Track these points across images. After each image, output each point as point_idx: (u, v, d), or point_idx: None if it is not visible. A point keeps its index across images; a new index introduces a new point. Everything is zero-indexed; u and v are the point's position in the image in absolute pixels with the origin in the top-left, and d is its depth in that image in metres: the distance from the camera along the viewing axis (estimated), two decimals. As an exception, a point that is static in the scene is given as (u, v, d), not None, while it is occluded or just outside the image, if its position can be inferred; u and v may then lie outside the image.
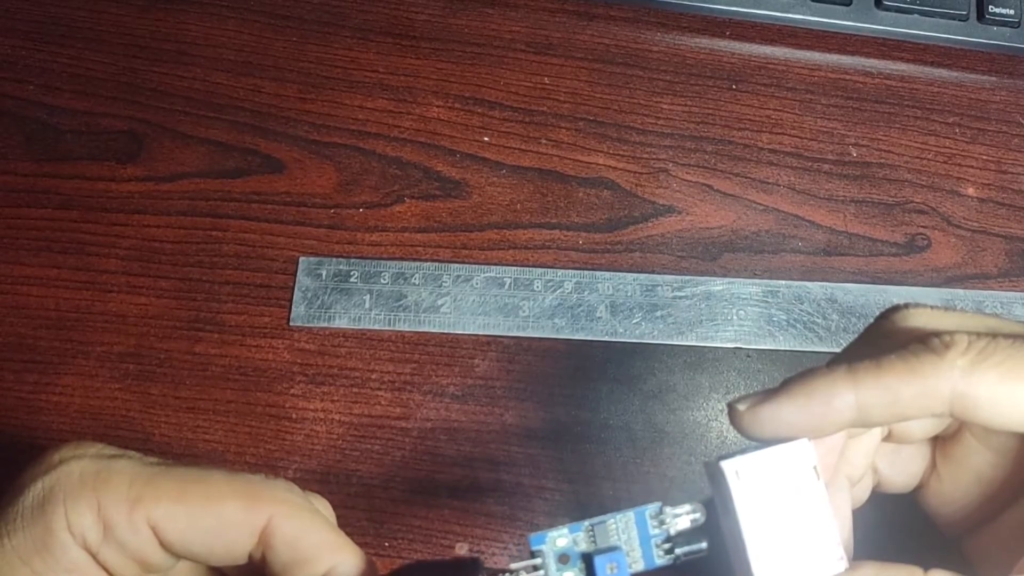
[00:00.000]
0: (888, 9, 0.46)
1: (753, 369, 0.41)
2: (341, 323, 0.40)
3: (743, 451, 0.27)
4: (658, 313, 0.41)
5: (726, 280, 0.42)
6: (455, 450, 0.38)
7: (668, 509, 0.27)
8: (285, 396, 0.39)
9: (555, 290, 0.41)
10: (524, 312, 0.41)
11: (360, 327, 0.40)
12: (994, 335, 0.26)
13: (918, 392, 0.26)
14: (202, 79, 0.45)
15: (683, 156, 0.45)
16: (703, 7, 0.46)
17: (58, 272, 0.41)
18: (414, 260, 0.42)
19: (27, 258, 0.41)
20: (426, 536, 0.37)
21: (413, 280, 0.41)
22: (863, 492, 0.32)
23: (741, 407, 0.27)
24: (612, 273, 0.41)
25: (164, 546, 0.27)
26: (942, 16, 0.46)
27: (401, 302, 0.41)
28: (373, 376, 0.40)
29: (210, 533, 0.27)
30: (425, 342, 0.40)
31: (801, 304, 0.42)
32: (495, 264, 0.42)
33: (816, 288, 0.42)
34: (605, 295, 0.41)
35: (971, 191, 0.44)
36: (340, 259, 0.41)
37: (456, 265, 0.42)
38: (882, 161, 0.45)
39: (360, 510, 0.37)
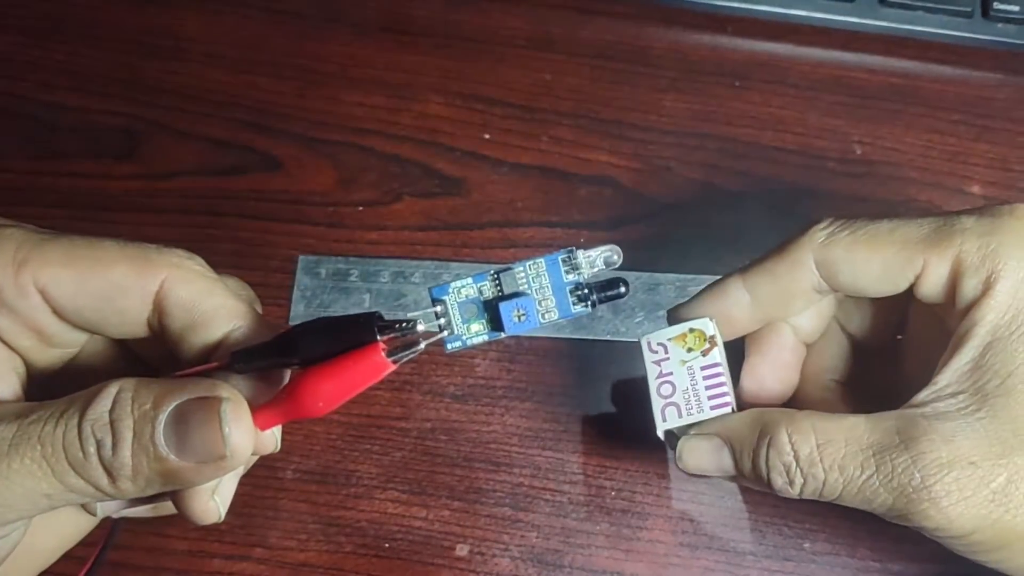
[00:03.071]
0: (892, 6, 0.45)
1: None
2: (340, 322, 0.40)
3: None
4: (661, 312, 0.40)
5: (729, 279, 0.41)
6: (455, 451, 0.38)
7: (581, 252, 0.26)
8: (283, 396, 0.38)
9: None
10: (525, 311, 0.40)
11: (359, 326, 0.40)
12: (859, 217, 0.30)
13: (788, 266, 0.31)
14: (198, 76, 0.45)
15: (686, 154, 0.44)
16: (706, 3, 0.46)
17: (53, 270, 0.40)
18: (414, 259, 0.41)
19: (22, 256, 0.41)
20: (426, 537, 0.36)
21: (413, 279, 0.41)
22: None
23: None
24: (613, 270, 0.41)
25: (57, 313, 0.27)
26: (946, 13, 0.45)
27: (401, 301, 0.40)
28: (372, 376, 0.39)
29: (101, 298, 0.27)
30: (425, 341, 0.40)
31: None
32: (496, 263, 0.41)
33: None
34: (607, 294, 0.41)
35: (976, 189, 0.44)
36: (339, 257, 0.41)
37: (456, 263, 0.41)
38: (886, 159, 0.44)
39: (359, 511, 0.37)
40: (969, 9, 0.45)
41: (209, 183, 0.43)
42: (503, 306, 0.25)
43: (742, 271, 0.32)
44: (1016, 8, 0.45)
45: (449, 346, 0.26)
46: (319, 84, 0.45)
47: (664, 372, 0.32)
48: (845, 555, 0.36)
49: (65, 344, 0.29)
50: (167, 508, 0.30)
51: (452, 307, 0.26)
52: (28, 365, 0.28)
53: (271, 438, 0.27)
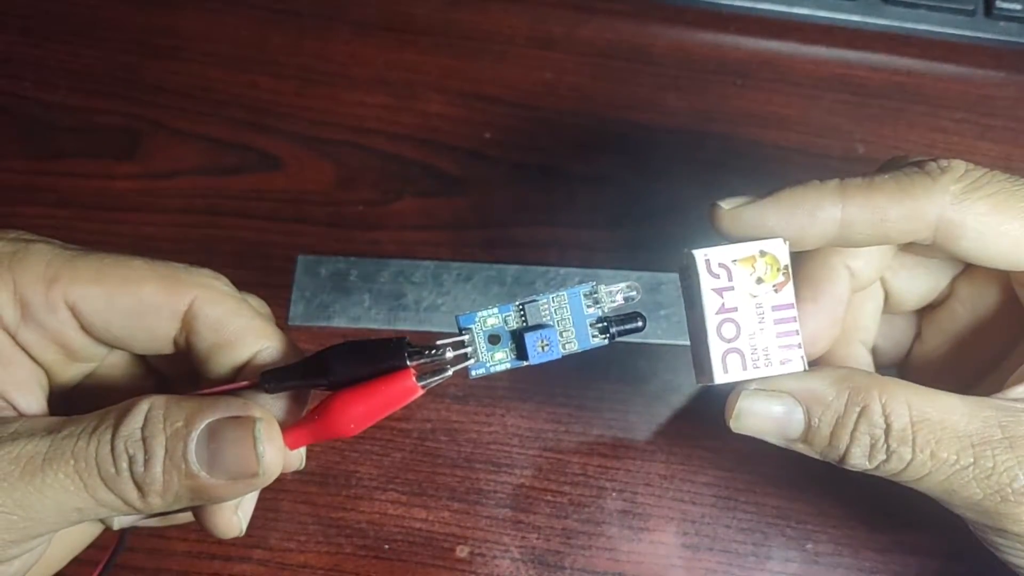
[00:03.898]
0: (895, 4, 0.45)
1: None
2: (340, 322, 0.40)
3: (716, 243, 0.27)
4: (662, 312, 0.40)
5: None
6: (455, 451, 0.38)
7: (603, 287, 0.26)
8: (283, 396, 0.38)
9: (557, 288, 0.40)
10: (526, 311, 0.40)
11: (359, 326, 0.40)
12: (992, 171, 0.26)
13: (906, 213, 0.26)
14: (199, 75, 0.45)
15: (687, 153, 0.44)
16: (707, 1, 0.46)
17: (53, 271, 0.40)
18: (414, 258, 0.41)
19: (22, 256, 0.41)
20: (426, 539, 0.36)
21: (413, 279, 0.41)
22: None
23: (725, 205, 0.27)
24: (615, 271, 0.41)
25: (85, 329, 0.27)
26: (949, 11, 0.45)
27: (401, 301, 0.40)
28: (372, 376, 0.39)
29: (130, 316, 0.27)
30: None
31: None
32: (496, 262, 0.41)
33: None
34: (608, 294, 0.40)
35: (979, 188, 0.43)
36: (339, 257, 0.41)
37: (456, 263, 0.41)
38: (889, 158, 0.44)
39: (359, 512, 0.37)
40: (972, 7, 0.45)
41: (209, 182, 0.43)
42: (528, 336, 0.26)
43: (842, 188, 0.26)
44: (1019, 6, 0.45)
45: (473, 372, 0.26)
46: (319, 83, 0.45)
47: (727, 306, 0.26)
48: (848, 556, 0.36)
49: (88, 358, 0.29)
50: (177, 518, 0.30)
51: (478, 335, 0.26)
52: (50, 379, 0.28)
53: (297, 456, 0.28)
